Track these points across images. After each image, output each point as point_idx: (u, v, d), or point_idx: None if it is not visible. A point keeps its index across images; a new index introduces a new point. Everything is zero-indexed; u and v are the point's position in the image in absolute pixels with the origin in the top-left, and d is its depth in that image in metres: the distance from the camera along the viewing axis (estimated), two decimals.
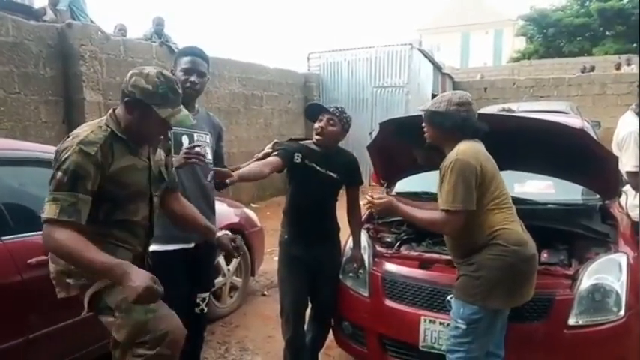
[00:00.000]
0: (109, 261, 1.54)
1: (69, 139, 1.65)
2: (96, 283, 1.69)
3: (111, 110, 1.77)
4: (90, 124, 1.74)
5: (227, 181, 2.11)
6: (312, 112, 2.57)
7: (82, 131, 1.67)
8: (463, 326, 2.00)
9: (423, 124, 2.17)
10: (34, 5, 7.04)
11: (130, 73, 1.72)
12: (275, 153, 2.49)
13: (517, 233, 2.01)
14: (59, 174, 1.58)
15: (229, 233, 2.06)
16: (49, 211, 1.56)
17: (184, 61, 2.31)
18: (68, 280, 1.73)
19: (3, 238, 2.19)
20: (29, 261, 2.22)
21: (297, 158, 2.48)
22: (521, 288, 2.00)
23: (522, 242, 2.00)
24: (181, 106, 1.75)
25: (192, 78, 2.29)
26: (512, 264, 1.95)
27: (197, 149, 2.16)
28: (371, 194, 2.19)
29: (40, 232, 2.31)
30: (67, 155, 1.59)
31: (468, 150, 2.01)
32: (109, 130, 1.69)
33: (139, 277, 1.49)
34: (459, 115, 2.05)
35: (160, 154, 1.92)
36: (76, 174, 1.57)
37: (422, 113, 2.19)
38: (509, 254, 1.95)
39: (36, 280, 2.23)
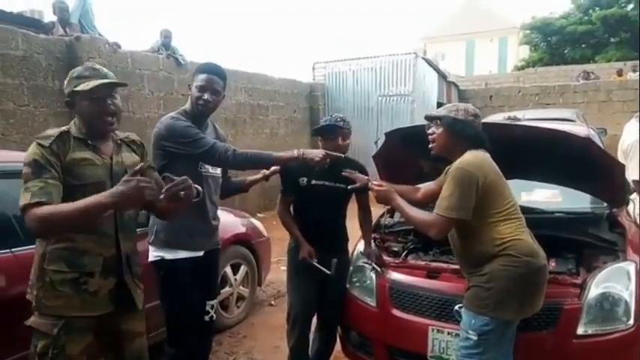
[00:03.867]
0: (93, 198, 1.61)
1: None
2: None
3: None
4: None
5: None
6: (326, 131, 2.54)
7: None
8: (474, 337, 1.98)
9: (431, 132, 2.17)
10: (44, 19, 7.13)
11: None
12: (282, 190, 2.58)
13: (528, 244, 2.01)
14: (24, 168, 1.67)
15: None
16: (22, 199, 1.61)
17: (200, 79, 2.32)
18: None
19: (13, 249, 2.22)
20: None
21: (303, 182, 2.50)
22: (532, 299, 2.00)
23: (534, 253, 2.00)
24: (104, 76, 1.84)
25: (206, 96, 2.30)
26: (524, 275, 1.95)
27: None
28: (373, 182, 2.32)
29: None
30: (28, 152, 1.70)
31: (474, 160, 2.02)
32: (69, 129, 1.83)
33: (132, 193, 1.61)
34: (476, 125, 2.10)
35: (132, 157, 1.96)
36: (36, 162, 1.66)
37: (427, 122, 2.20)
38: (521, 265, 1.95)
39: None
